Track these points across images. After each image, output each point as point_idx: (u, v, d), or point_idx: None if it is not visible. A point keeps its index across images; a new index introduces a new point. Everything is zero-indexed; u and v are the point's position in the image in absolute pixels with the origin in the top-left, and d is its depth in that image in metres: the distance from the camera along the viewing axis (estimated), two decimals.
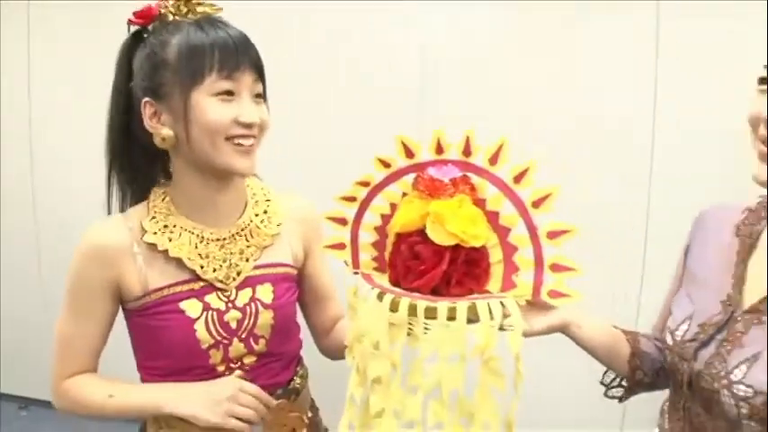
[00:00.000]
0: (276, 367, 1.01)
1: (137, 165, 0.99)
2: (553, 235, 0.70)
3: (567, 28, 1.94)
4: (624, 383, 0.98)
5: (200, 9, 0.93)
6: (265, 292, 0.98)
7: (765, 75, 0.73)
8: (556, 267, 0.71)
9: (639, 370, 0.95)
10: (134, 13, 0.94)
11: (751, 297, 0.79)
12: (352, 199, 0.80)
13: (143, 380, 1.01)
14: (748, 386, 0.73)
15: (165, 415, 0.94)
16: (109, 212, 1.01)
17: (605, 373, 1.00)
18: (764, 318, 0.76)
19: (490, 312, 0.68)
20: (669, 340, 0.86)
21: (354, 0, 2.05)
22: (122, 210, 1.01)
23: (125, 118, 0.96)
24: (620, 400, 1.00)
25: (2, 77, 2.49)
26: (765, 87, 0.73)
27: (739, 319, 0.79)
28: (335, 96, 2.09)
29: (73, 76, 2.31)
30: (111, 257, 0.93)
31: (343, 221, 0.81)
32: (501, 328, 0.70)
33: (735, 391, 0.74)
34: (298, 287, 1.06)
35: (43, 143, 2.48)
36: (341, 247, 0.82)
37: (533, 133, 1.89)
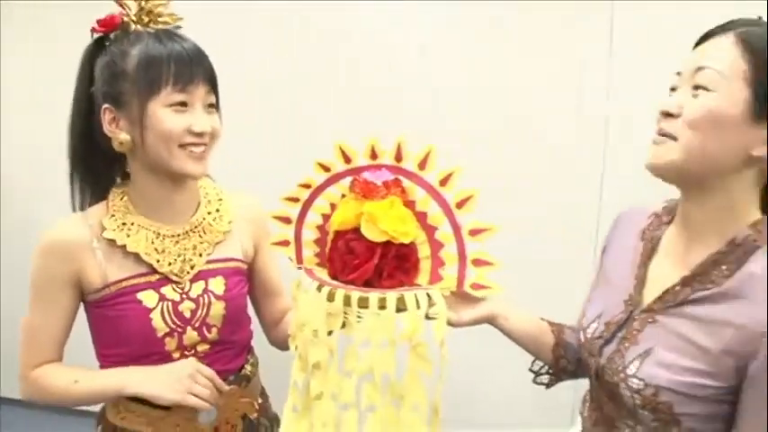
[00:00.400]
0: (228, 355, 1.07)
1: (96, 166, 1.05)
2: (475, 233, 0.79)
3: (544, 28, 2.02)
4: (550, 371, 1.07)
5: (161, 19, 0.99)
6: (217, 285, 1.04)
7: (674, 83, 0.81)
8: (478, 262, 0.80)
9: (563, 359, 1.04)
10: (97, 22, 0.99)
11: (649, 298, 0.85)
12: (296, 200, 0.87)
13: (102, 368, 1.06)
14: (640, 379, 0.80)
15: (124, 399, 1.00)
16: (74, 210, 1.06)
17: (534, 361, 1.08)
18: (657, 317, 0.82)
19: (417, 302, 0.76)
20: (581, 337, 0.94)
21: (353, 0, 2.10)
22: (82, 208, 1.06)
23: (86, 121, 1.02)
24: (547, 386, 1.09)
25: None
26: (671, 93, 0.81)
27: (636, 318, 0.85)
28: (335, 96, 2.13)
29: (42, 74, 2.31)
30: (72, 252, 0.99)
31: (287, 220, 0.88)
32: (428, 317, 0.78)
33: (630, 383, 0.81)
34: (248, 281, 1.13)
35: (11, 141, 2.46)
36: (285, 243, 0.89)
37: (532, 132, 1.99)
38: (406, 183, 0.81)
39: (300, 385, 0.84)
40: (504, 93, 2.04)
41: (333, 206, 0.86)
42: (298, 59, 2.15)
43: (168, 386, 0.97)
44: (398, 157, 0.80)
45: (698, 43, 0.80)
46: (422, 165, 0.79)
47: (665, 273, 0.85)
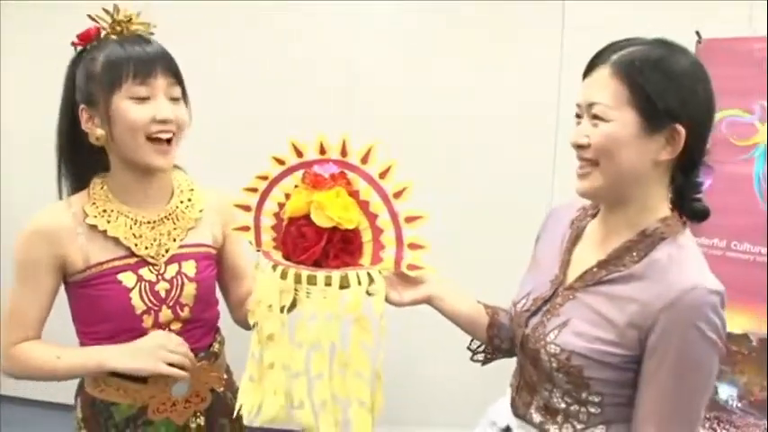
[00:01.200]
0: (198, 333, 1.16)
1: (79, 160, 1.14)
2: (410, 219, 0.91)
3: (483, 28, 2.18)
4: (486, 350, 1.19)
5: (133, 28, 1.08)
6: (189, 267, 1.14)
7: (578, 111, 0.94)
8: (413, 246, 0.92)
9: (497, 338, 1.15)
10: (77, 36, 1.09)
11: (571, 277, 0.98)
12: (254, 190, 0.97)
13: (83, 344, 1.14)
14: (557, 345, 0.93)
15: (102, 373, 1.09)
16: (60, 199, 1.15)
17: (471, 341, 1.20)
18: (577, 294, 0.95)
19: (359, 280, 0.87)
20: (512, 311, 1.07)
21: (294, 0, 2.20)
22: (61, 197, 1.15)
23: (71, 123, 1.11)
24: (483, 363, 1.21)
25: None
26: (578, 120, 0.94)
27: (560, 294, 0.98)
28: (270, 97, 2.22)
29: (42, 74, 2.31)
30: (57, 237, 1.07)
31: (247, 208, 0.99)
32: (368, 294, 0.90)
33: (548, 349, 0.94)
34: (216, 265, 1.22)
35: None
36: (246, 229, 1.00)
37: (460, 127, 2.13)
38: (350, 175, 0.93)
39: (257, 356, 0.94)
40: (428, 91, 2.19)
41: (287, 195, 0.97)
42: (252, 59, 2.25)
43: (143, 358, 1.05)
44: (344, 153, 0.92)
45: (585, 73, 0.93)
46: (364, 159, 0.91)
47: (586, 257, 0.98)
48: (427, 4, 2.23)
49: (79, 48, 1.11)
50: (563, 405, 0.95)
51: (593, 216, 1.03)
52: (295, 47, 2.26)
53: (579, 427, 0.94)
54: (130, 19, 1.08)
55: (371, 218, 0.93)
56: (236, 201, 0.99)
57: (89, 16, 1.08)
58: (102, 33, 1.09)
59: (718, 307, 0.85)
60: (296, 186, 0.95)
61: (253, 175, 0.96)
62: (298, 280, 0.87)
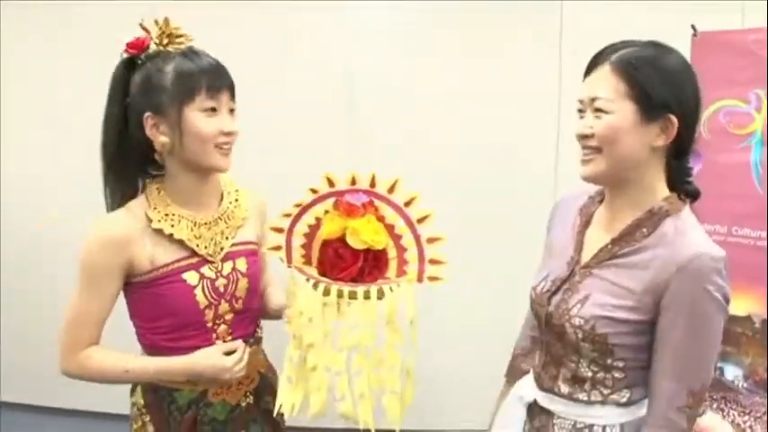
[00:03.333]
0: (246, 321, 1.32)
1: (128, 169, 1.25)
2: (431, 240, 1.12)
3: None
4: None
5: (178, 39, 1.23)
6: (242, 264, 1.28)
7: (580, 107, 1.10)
8: (432, 261, 1.12)
9: None
10: (127, 45, 1.21)
11: (586, 257, 1.12)
12: (289, 215, 1.15)
13: (144, 337, 1.28)
14: (581, 318, 1.05)
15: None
16: (107, 208, 1.26)
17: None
18: (593, 270, 1.09)
19: (391, 291, 1.07)
20: (532, 294, 1.22)
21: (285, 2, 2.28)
22: (115, 205, 1.26)
23: (120, 129, 1.22)
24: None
25: None
26: (581, 114, 1.10)
27: (577, 273, 1.11)
28: (268, 97, 2.29)
29: (42, 74, 2.35)
30: (124, 244, 1.20)
31: (280, 230, 1.18)
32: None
33: (573, 322, 1.06)
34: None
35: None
36: (278, 248, 1.18)
37: (459, 127, 2.24)
38: (377, 202, 1.12)
39: (296, 360, 1.12)
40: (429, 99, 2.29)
41: (317, 219, 1.15)
42: (252, 60, 2.30)
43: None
44: (372, 184, 1.11)
45: (586, 72, 1.10)
46: (390, 190, 1.11)
47: (598, 237, 1.12)
48: (424, 4, 2.33)
49: (128, 55, 1.22)
50: (590, 373, 1.08)
51: (600, 202, 1.18)
52: (293, 47, 2.35)
53: (606, 392, 1.08)
54: (176, 34, 1.20)
55: (396, 239, 1.13)
56: (270, 223, 1.18)
57: (141, 26, 1.21)
58: (152, 44, 1.21)
59: (722, 270, 1.00)
60: (326, 212, 1.14)
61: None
62: (340, 295, 1.06)
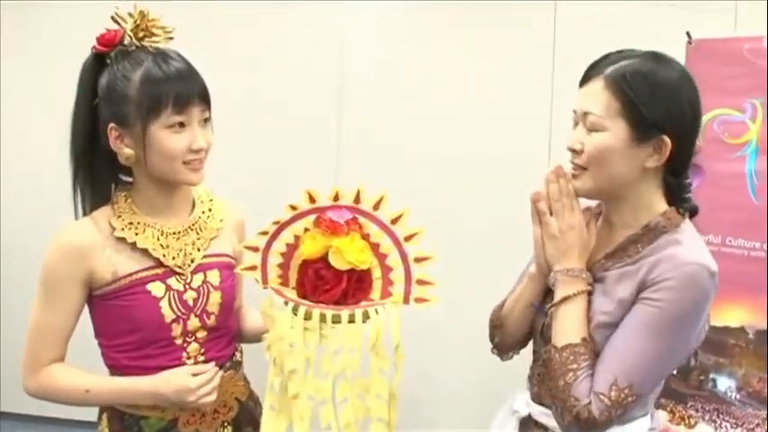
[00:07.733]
0: (223, 342, 1.30)
1: (98, 172, 1.23)
2: (419, 260, 1.10)
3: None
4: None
5: (155, 34, 1.18)
6: (214, 276, 1.26)
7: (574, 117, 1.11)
8: (420, 282, 1.11)
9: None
10: (97, 40, 1.17)
11: None
12: (266, 233, 1.13)
13: (108, 357, 1.25)
14: None
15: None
16: (75, 214, 1.25)
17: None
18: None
19: (377, 314, 1.04)
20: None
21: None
22: (85, 212, 1.25)
23: (89, 130, 1.19)
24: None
25: None
26: (575, 125, 1.11)
27: None
28: (255, 96, 2.35)
29: (42, 74, 2.42)
30: (84, 253, 1.18)
31: (255, 249, 1.15)
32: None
33: None
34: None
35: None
36: (253, 268, 1.15)
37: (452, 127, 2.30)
38: (361, 219, 1.10)
39: (277, 387, 1.10)
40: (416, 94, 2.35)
41: (296, 237, 1.13)
42: (216, 58, 2.33)
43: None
44: (357, 200, 1.09)
45: (581, 82, 1.11)
46: (376, 206, 1.08)
47: (594, 252, 1.14)
48: (418, 4, 2.38)
49: (96, 51, 1.17)
50: None
51: (598, 215, 1.20)
52: (286, 46, 2.40)
53: None
54: (153, 23, 1.15)
55: (382, 258, 1.11)
56: (245, 242, 1.16)
57: (112, 18, 1.15)
58: (126, 39, 1.16)
59: (712, 284, 1.02)
60: (306, 230, 1.12)
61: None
62: (323, 319, 1.04)
